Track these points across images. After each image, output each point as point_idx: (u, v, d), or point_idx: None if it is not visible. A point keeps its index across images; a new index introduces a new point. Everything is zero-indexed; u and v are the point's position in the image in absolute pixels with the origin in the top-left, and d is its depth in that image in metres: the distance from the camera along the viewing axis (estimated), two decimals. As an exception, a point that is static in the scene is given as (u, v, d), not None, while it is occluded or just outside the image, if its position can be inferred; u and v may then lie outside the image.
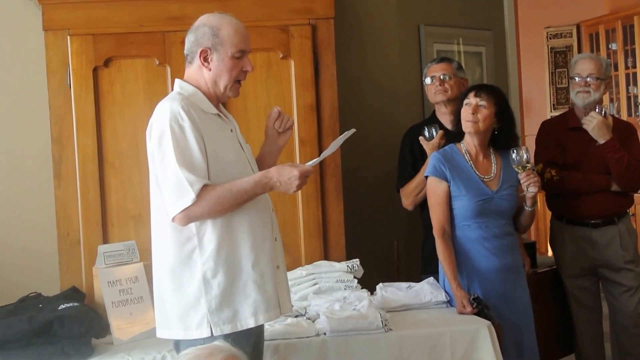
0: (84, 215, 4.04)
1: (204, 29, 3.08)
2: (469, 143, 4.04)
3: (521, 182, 3.93)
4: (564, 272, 4.78)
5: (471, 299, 3.78)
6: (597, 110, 4.58)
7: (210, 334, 2.93)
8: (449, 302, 3.91)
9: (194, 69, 3.11)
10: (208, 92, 3.11)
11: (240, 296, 2.99)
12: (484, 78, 5.49)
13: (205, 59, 3.07)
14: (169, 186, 2.95)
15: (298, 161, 4.19)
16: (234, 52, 3.06)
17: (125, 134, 4.10)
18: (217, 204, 2.93)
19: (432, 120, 4.51)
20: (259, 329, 3.14)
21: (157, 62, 4.14)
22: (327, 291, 3.87)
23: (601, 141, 4.57)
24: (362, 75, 4.94)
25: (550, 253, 5.18)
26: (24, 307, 3.71)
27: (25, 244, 4.38)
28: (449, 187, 3.96)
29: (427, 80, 4.56)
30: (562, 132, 4.76)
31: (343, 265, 3.95)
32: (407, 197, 4.40)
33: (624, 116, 9.43)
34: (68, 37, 4.07)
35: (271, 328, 3.49)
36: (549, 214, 4.95)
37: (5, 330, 3.43)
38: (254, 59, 4.13)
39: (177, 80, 3.16)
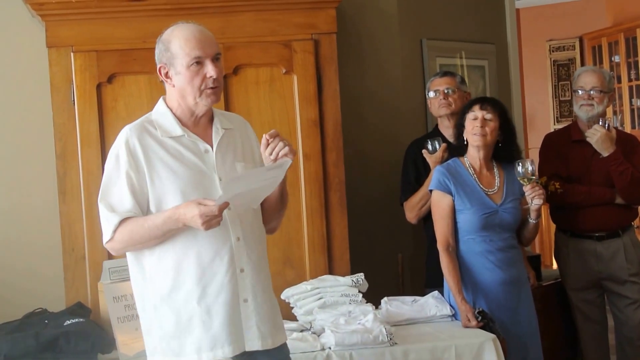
0: (88, 231, 4.04)
1: (159, 46, 2.96)
2: (474, 156, 4.04)
3: (526, 194, 3.93)
4: (568, 285, 4.78)
5: (476, 312, 3.78)
6: (600, 123, 4.59)
7: None
8: (454, 316, 3.91)
9: (166, 87, 3.00)
10: (182, 110, 2.96)
11: (185, 331, 2.85)
12: (487, 91, 5.50)
13: (167, 76, 2.95)
14: (100, 216, 2.92)
15: (302, 177, 4.20)
16: (188, 62, 2.88)
17: (129, 149, 4.10)
18: (130, 239, 2.84)
19: (435, 134, 4.51)
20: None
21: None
22: (332, 305, 3.86)
23: (605, 154, 4.57)
24: (365, 90, 4.95)
25: (555, 266, 5.18)
26: (30, 323, 3.72)
27: (31, 260, 4.39)
28: (454, 200, 3.97)
29: (431, 94, 4.56)
30: (565, 145, 4.76)
31: (348, 279, 3.95)
32: (411, 210, 4.40)
33: (628, 128, 9.44)
34: (72, 53, 4.08)
35: (276, 343, 3.49)
36: (553, 227, 4.95)
37: (12, 346, 3.44)
38: (257, 74, 4.21)
39: (160, 99, 3.05)
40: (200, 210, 2.73)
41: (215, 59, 2.92)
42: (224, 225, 2.86)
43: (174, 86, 2.94)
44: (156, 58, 2.97)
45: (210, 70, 2.90)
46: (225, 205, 2.75)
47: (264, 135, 2.92)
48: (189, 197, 2.83)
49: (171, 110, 2.97)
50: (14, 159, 4.44)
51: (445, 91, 4.49)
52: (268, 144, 2.92)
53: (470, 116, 4.02)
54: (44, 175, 4.33)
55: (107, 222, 2.85)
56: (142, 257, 2.91)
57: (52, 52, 4.09)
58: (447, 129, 4.49)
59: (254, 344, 2.90)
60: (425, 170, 4.34)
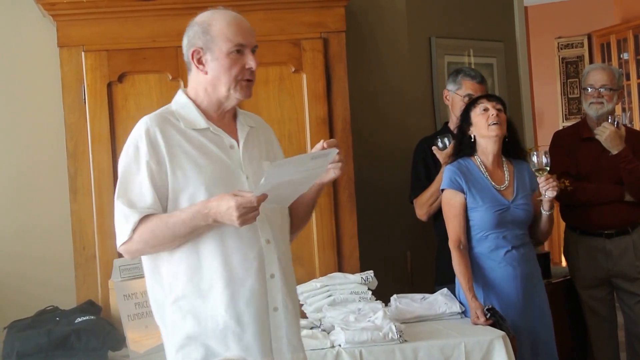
0: (99, 229, 4.06)
1: (194, 28, 2.75)
2: (487, 152, 4.03)
3: (540, 185, 3.93)
4: (578, 282, 4.78)
5: (486, 309, 3.79)
6: (609, 120, 4.59)
7: None
8: (464, 313, 3.92)
9: (192, 75, 2.78)
10: (208, 101, 2.76)
11: (213, 340, 2.64)
12: (496, 89, 5.50)
13: (199, 61, 2.73)
14: (115, 215, 2.67)
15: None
16: (229, 48, 2.69)
17: (140, 148, 4.13)
18: (152, 238, 2.60)
19: (445, 131, 4.52)
20: None
21: (171, 77, 4.17)
22: (342, 303, 3.87)
23: (614, 151, 4.58)
24: (374, 88, 4.96)
25: (564, 263, 5.19)
26: (42, 321, 3.74)
27: (42, 259, 4.42)
28: (466, 198, 3.97)
29: (460, 95, 4.47)
30: (575, 142, 4.77)
31: (357, 277, 3.96)
32: (421, 207, 4.41)
33: (637, 126, 9.42)
34: (82, 53, 4.10)
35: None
36: (562, 224, 4.96)
37: (24, 343, 3.46)
38: (266, 73, 4.21)
39: (179, 90, 2.86)
40: (237, 202, 2.52)
41: (254, 51, 2.76)
42: (252, 226, 2.65)
43: (206, 73, 2.73)
44: (187, 41, 2.76)
45: (250, 60, 2.73)
46: (263, 198, 2.53)
47: (321, 142, 2.69)
48: (213, 194, 2.63)
49: (194, 102, 2.77)
50: (26, 158, 4.47)
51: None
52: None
53: (478, 111, 4.02)
54: (56, 174, 4.35)
55: (126, 220, 2.61)
56: (159, 261, 2.70)
57: (63, 52, 4.11)
58: (458, 126, 4.49)
59: (283, 357, 2.71)
60: (435, 167, 4.35)
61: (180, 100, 2.79)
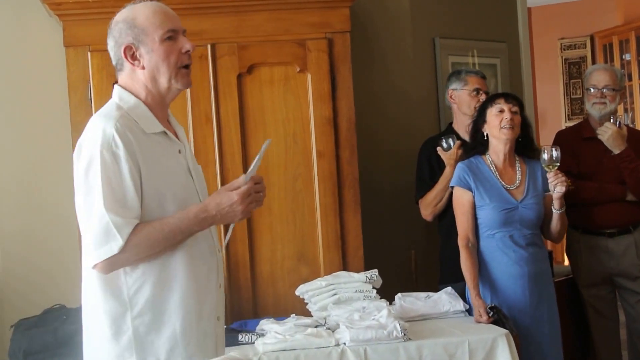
0: (105, 228, 4.08)
1: (119, 26, 2.60)
2: (498, 151, 4.05)
3: (549, 181, 3.94)
4: (580, 281, 4.80)
5: (488, 308, 3.81)
6: (611, 120, 4.61)
7: None
8: (468, 312, 3.94)
9: (126, 74, 2.62)
10: (151, 98, 2.61)
11: (179, 356, 2.55)
12: (499, 89, 5.51)
13: (133, 57, 2.58)
14: (93, 229, 2.44)
15: (316, 174, 4.23)
16: (162, 35, 2.56)
17: (146, 148, 4.15)
18: (147, 247, 2.46)
19: (449, 132, 4.53)
20: None
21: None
22: (347, 301, 3.89)
23: (616, 151, 4.60)
24: (378, 88, 4.98)
25: (566, 262, 5.20)
26: (48, 319, 3.77)
27: (49, 257, 4.44)
28: (474, 197, 3.99)
29: (468, 90, 4.52)
30: (577, 142, 4.78)
31: (362, 275, 3.98)
32: (426, 208, 4.42)
33: (638, 126, 9.44)
34: (89, 53, 4.12)
35: (292, 338, 3.53)
36: (565, 223, 4.97)
37: (31, 341, 3.50)
38: (271, 73, 4.24)
39: (116, 87, 2.64)
40: (240, 195, 2.50)
41: (184, 34, 2.64)
42: (211, 236, 2.64)
43: (143, 68, 2.58)
44: (114, 42, 2.62)
45: (185, 43, 2.61)
46: (258, 179, 2.53)
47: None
48: (181, 201, 2.56)
49: (143, 102, 2.61)
50: (33, 157, 4.49)
51: (486, 92, 4.50)
52: None
53: (494, 110, 4.03)
54: (62, 173, 4.37)
55: (119, 231, 2.43)
56: (117, 278, 2.51)
57: (69, 52, 4.13)
58: (462, 126, 4.50)
59: None
60: (440, 168, 4.36)
61: (129, 100, 2.60)
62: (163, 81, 2.60)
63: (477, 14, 5.54)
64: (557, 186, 3.93)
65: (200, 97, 4.18)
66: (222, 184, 4.10)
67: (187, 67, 2.63)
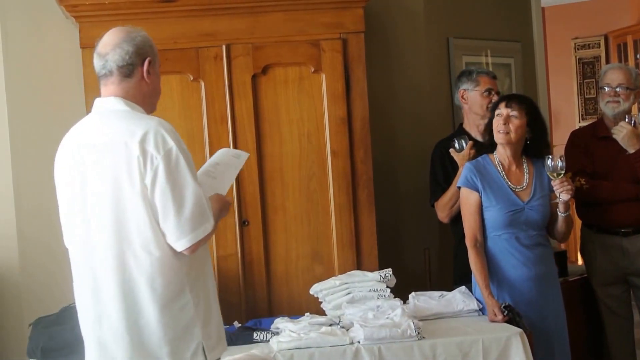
0: (121, 228, 4.11)
1: (142, 38, 2.82)
2: (502, 153, 4.07)
3: (554, 189, 3.95)
4: (594, 280, 4.80)
5: (502, 307, 3.81)
6: (626, 119, 4.61)
7: None
8: (481, 311, 3.95)
9: (132, 84, 2.82)
10: (144, 110, 2.86)
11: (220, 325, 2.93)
12: (513, 89, 5.52)
13: (148, 71, 2.81)
14: (187, 213, 2.70)
15: (331, 173, 4.27)
16: (158, 67, 2.89)
17: (161, 148, 4.17)
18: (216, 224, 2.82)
19: (460, 133, 4.53)
20: None
21: (191, 78, 4.22)
22: (361, 300, 3.90)
23: (631, 150, 4.60)
24: (393, 87, 4.99)
25: (580, 262, 5.20)
26: (66, 317, 3.78)
27: (66, 255, 4.43)
28: (480, 197, 4.00)
29: (480, 90, 4.52)
30: (591, 141, 4.78)
31: (376, 274, 3.99)
32: (442, 210, 4.41)
33: (653, 125, 9.40)
34: (105, 54, 4.16)
35: (306, 336, 3.55)
36: (579, 222, 4.97)
37: (49, 339, 3.52)
38: (286, 73, 4.27)
39: (117, 99, 2.81)
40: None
41: None
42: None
43: (148, 83, 2.83)
44: (134, 48, 2.80)
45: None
46: None
47: None
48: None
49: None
50: (50, 157, 4.49)
51: (498, 92, 4.50)
52: None
53: (496, 113, 4.05)
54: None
55: (211, 216, 2.77)
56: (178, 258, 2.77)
57: (85, 53, 4.15)
58: (473, 126, 4.51)
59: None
60: (453, 169, 4.36)
61: (140, 110, 2.84)
62: (154, 104, 2.90)
63: (491, 14, 5.54)
64: (562, 194, 3.93)
65: (215, 97, 4.21)
66: (236, 182, 4.13)
67: None
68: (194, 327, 2.77)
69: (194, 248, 2.72)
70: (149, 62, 2.81)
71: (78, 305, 2.92)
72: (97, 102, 2.89)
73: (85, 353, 2.89)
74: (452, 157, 4.34)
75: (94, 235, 2.79)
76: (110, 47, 2.81)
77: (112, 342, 2.78)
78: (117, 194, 2.72)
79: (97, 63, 2.85)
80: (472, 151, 4.27)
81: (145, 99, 2.83)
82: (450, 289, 4.13)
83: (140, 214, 2.70)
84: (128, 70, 2.79)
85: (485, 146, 4.15)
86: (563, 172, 3.91)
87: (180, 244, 2.71)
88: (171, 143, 2.70)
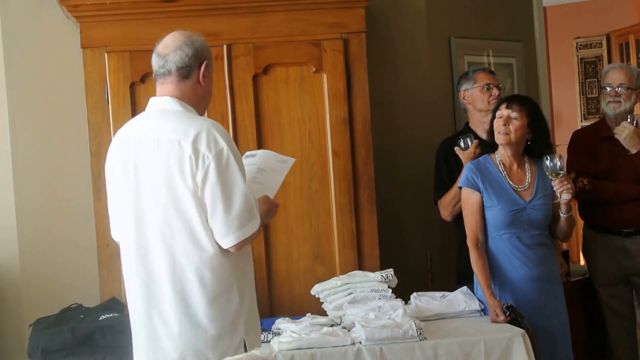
0: (122, 228, 4.11)
1: (201, 42, 2.99)
2: (503, 153, 4.06)
3: (554, 189, 3.94)
4: (597, 280, 4.79)
5: (504, 307, 3.81)
6: (628, 119, 4.61)
7: None
8: (483, 311, 3.94)
9: (190, 84, 2.98)
10: (197, 111, 3.02)
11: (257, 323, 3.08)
12: (515, 89, 5.51)
13: (204, 74, 2.98)
14: (236, 212, 2.84)
15: (332, 173, 4.26)
16: (212, 72, 3.05)
17: (162, 148, 4.17)
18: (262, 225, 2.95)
19: (466, 131, 4.52)
20: None
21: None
22: (362, 301, 3.90)
23: (633, 150, 4.59)
24: (394, 87, 4.99)
25: (582, 262, 5.19)
26: (66, 318, 3.80)
27: (66, 256, 4.47)
28: (482, 197, 4.00)
29: (479, 86, 4.51)
30: (594, 141, 4.78)
31: (377, 275, 3.98)
32: (446, 208, 4.40)
33: (656, 125, 9.38)
34: (105, 54, 4.15)
35: (307, 337, 3.54)
36: (581, 222, 4.97)
37: (49, 340, 3.52)
38: (287, 73, 4.27)
39: (172, 100, 2.96)
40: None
41: None
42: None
43: (202, 86, 2.98)
44: (193, 51, 2.96)
45: None
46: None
47: None
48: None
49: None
50: (51, 157, 4.52)
51: (498, 86, 4.50)
52: None
53: (497, 114, 4.05)
54: (79, 173, 4.40)
55: (257, 209, 2.91)
56: (226, 257, 2.92)
57: (86, 53, 4.17)
58: (479, 125, 4.50)
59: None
60: (458, 167, 4.35)
61: (192, 111, 2.99)
62: (205, 106, 3.06)
63: (493, 14, 5.54)
64: (562, 194, 3.93)
65: (216, 98, 4.19)
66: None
67: None
68: (238, 323, 2.91)
69: (239, 245, 2.86)
70: (206, 66, 2.97)
71: (128, 297, 3.04)
72: (153, 100, 3.04)
73: (134, 343, 3.04)
74: (457, 156, 4.34)
75: (146, 229, 2.91)
76: (172, 48, 2.96)
77: (162, 334, 2.91)
78: (170, 191, 2.85)
79: (156, 62, 3.00)
80: (478, 150, 4.26)
81: (199, 101, 2.99)
82: (451, 289, 4.12)
83: (191, 211, 2.84)
84: (186, 72, 2.95)
85: (489, 145, 4.13)
86: (562, 171, 3.90)
87: (227, 241, 2.85)
88: (223, 143, 2.83)
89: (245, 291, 2.96)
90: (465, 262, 4.12)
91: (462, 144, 4.32)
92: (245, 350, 2.90)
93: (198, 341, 2.89)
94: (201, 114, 3.02)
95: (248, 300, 2.97)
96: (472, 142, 4.30)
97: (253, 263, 3.10)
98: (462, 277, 4.30)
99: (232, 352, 2.85)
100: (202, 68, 2.96)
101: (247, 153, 3.32)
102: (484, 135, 4.33)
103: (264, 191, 3.12)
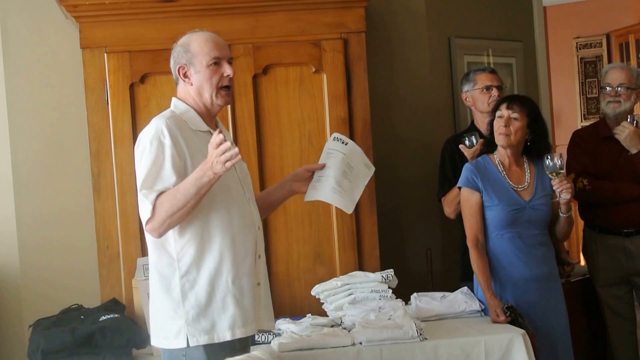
0: (122, 229, 4.11)
1: (178, 49, 3.17)
2: (502, 153, 4.06)
3: (554, 188, 3.94)
4: (597, 281, 4.79)
5: (505, 307, 3.80)
6: (628, 120, 4.60)
7: (186, 345, 3.01)
8: (483, 311, 3.94)
9: (181, 87, 3.20)
10: (199, 108, 3.17)
11: (219, 310, 3.04)
12: (515, 89, 5.51)
13: (185, 75, 3.15)
14: (139, 204, 3.01)
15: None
16: (208, 61, 3.11)
17: (162, 148, 4.16)
18: (169, 208, 2.93)
19: (472, 129, 4.52)
20: (243, 343, 3.16)
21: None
22: (362, 301, 3.90)
23: (633, 151, 4.59)
24: (394, 87, 4.99)
25: (582, 262, 5.19)
26: (66, 319, 3.79)
27: (67, 257, 4.47)
28: (482, 197, 3.99)
29: (479, 88, 4.51)
30: (594, 141, 4.77)
31: (377, 275, 3.98)
32: (449, 205, 4.39)
33: (656, 125, 9.38)
34: (105, 54, 4.15)
35: (307, 338, 3.54)
36: (581, 223, 4.96)
37: (49, 341, 3.51)
38: (287, 73, 4.26)
39: (173, 99, 3.23)
40: (211, 145, 2.89)
41: (230, 62, 3.18)
42: (250, 215, 3.17)
43: (192, 84, 3.14)
44: (173, 61, 3.18)
45: (227, 69, 3.15)
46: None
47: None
48: (226, 193, 3.08)
49: (193, 108, 3.18)
50: (50, 158, 4.51)
51: (498, 87, 4.49)
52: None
53: (497, 115, 4.04)
54: (79, 174, 4.41)
55: (146, 199, 2.96)
56: (167, 243, 3.05)
57: (86, 53, 4.16)
58: (483, 125, 4.49)
59: (265, 324, 3.22)
60: (463, 165, 4.34)
61: (180, 107, 3.18)
62: (206, 97, 3.15)
63: (493, 13, 5.54)
64: (562, 193, 3.92)
65: (216, 98, 4.19)
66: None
67: (227, 88, 3.17)
68: (177, 309, 3.06)
69: (149, 231, 3.03)
70: (181, 69, 3.15)
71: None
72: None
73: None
74: (462, 153, 4.33)
75: None
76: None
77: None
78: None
79: None
80: (483, 148, 4.25)
81: (198, 94, 3.15)
82: (452, 290, 4.12)
83: None
84: (175, 77, 3.20)
85: (488, 145, 4.13)
86: (562, 171, 3.90)
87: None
88: (145, 139, 3.04)
89: (193, 280, 3.04)
90: (469, 260, 4.10)
91: (467, 142, 4.31)
92: (187, 342, 3.00)
93: (153, 322, 3.14)
94: (217, 103, 3.15)
95: (199, 290, 3.03)
96: (477, 141, 4.29)
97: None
98: (466, 274, 4.29)
99: (172, 339, 3.03)
100: (181, 74, 3.16)
101: (336, 135, 3.49)
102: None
103: (352, 191, 3.42)
